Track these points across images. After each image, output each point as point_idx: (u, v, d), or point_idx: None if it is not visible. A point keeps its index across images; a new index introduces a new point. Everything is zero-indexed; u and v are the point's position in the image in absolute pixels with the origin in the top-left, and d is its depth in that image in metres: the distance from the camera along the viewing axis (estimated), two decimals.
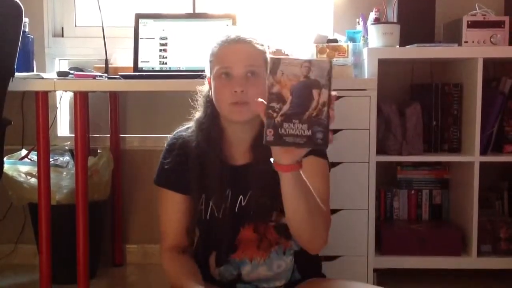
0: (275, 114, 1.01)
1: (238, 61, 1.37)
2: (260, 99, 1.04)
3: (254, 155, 1.43)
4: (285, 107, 1.01)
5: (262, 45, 1.43)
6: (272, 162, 1.12)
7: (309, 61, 1.01)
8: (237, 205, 1.44)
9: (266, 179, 1.35)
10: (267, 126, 1.02)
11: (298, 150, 1.07)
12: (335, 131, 2.14)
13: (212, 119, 1.45)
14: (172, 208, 1.47)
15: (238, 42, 1.41)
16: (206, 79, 1.49)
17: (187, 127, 1.51)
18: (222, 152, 1.44)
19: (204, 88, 1.51)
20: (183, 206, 1.46)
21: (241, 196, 1.44)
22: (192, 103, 1.53)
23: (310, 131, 1.01)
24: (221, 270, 1.47)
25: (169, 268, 1.46)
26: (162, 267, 1.49)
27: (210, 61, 1.44)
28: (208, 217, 1.44)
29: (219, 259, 1.46)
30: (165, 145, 1.51)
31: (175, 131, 1.53)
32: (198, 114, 1.51)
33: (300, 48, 2.51)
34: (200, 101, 1.51)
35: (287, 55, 2.42)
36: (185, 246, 1.48)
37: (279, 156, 1.10)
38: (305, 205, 1.21)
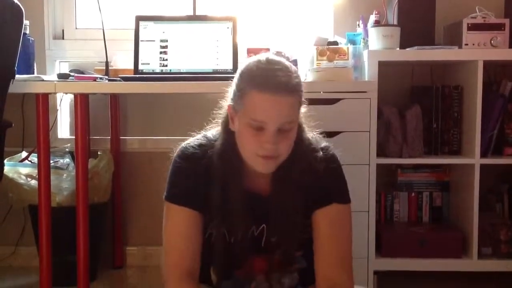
0: None
1: (275, 117, 1.21)
2: None
3: (274, 188, 1.35)
4: None
5: (302, 87, 1.29)
6: None
7: None
8: (249, 235, 1.37)
9: (283, 214, 1.33)
10: None
11: None
12: (336, 133, 2.14)
13: (233, 150, 1.32)
14: (188, 225, 1.33)
15: (279, 92, 1.21)
16: (227, 106, 1.32)
17: (200, 143, 1.38)
18: (241, 179, 1.34)
19: (223, 110, 1.37)
20: (196, 225, 1.35)
21: (253, 227, 1.38)
22: (213, 112, 1.42)
23: None
24: (223, 287, 1.42)
25: None
26: None
27: (238, 96, 1.27)
28: (218, 241, 1.36)
29: (221, 276, 1.41)
30: (176, 158, 1.38)
31: (186, 144, 1.39)
32: (213, 132, 1.40)
33: (301, 50, 2.52)
34: (221, 123, 1.37)
35: (288, 57, 2.42)
36: (195, 270, 1.35)
37: None
38: None
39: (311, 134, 1.42)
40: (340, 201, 1.37)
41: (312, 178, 1.34)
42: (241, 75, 1.28)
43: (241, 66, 1.31)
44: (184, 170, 1.35)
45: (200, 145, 1.37)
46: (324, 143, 1.42)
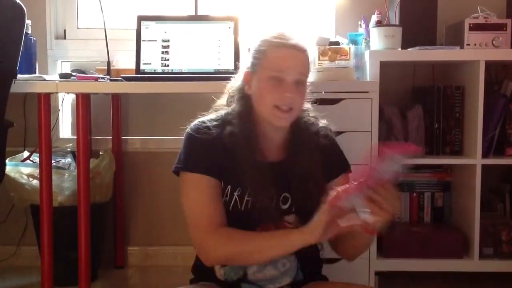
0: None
1: (293, 68, 1.39)
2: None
3: (284, 155, 1.46)
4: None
5: (311, 55, 1.46)
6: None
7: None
8: (269, 201, 1.43)
9: (298, 177, 1.42)
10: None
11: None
12: (338, 134, 2.13)
13: (249, 114, 1.45)
14: (211, 190, 1.40)
15: (295, 48, 1.41)
16: (243, 72, 1.48)
17: (211, 118, 1.48)
18: (254, 147, 1.44)
19: (235, 82, 1.52)
20: (217, 190, 1.42)
21: (274, 193, 1.44)
22: (214, 98, 1.55)
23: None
24: (226, 269, 1.46)
25: (224, 243, 1.36)
26: (207, 252, 1.37)
27: (257, 58, 1.44)
28: (230, 209, 1.43)
29: None
30: (189, 131, 1.46)
31: (197, 120, 1.48)
32: (221, 106, 1.52)
33: None
34: (235, 94, 1.50)
35: None
36: (223, 223, 1.40)
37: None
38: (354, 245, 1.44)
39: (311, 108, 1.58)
40: (348, 170, 1.55)
41: (320, 141, 1.50)
42: (259, 43, 1.45)
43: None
44: (200, 142, 1.43)
45: (213, 119, 1.48)
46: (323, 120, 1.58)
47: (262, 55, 1.42)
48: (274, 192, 1.44)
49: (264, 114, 1.42)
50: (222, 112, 1.51)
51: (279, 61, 1.40)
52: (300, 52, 1.41)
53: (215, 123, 1.46)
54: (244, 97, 1.47)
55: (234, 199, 1.43)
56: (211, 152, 1.42)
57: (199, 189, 1.41)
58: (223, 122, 1.46)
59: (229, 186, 1.43)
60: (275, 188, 1.44)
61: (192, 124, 1.48)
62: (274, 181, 1.42)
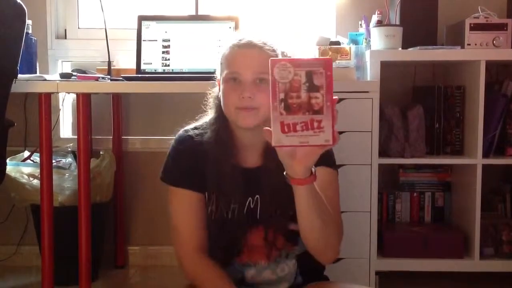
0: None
1: (247, 67, 1.34)
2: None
3: (265, 159, 1.41)
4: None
5: (274, 51, 1.40)
6: (287, 176, 1.14)
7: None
8: (246, 208, 1.42)
9: (275, 184, 1.35)
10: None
11: (309, 157, 1.09)
12: (338, 133, 2.13)
13: (222, 120, 1.43)
14: (191, 205, 1.43)
15: (249, 46, 1.37)
16: (216, 80, 1.47)
17: (195, 126, 1.49)
18: (232, 153, 1.42)
19: (215, 89, 1.50)
20: (199, 204, 1.43)
21: (250, 199, 1.43)
22: (203, 106, 1.52)
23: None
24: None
25: (197, 274, 1.40)
26: (184, 270, 1.42)
27: (221, 64, 1.42)
28: (218, 218, 1.42)
29: (223, 262, 1.44)
30: (173, 143, 1.48)
31: (182, 129, 1.50)
32: (208, 114, 1.50)
33: (303, 50, 2.52)
34: (211, 102, 1.49)
35: (289, 57, 2.42)
36: (204, 244, 1.43)
37: (292, 169, 1.12)
38: (319, 219, 1.24)
39: None
40: (328, 164, 1.41)
41: None
42: (222, 48, 1.43)
43: None
44: (181, 153, 1.45)
45: (196, 128, 1.48)
46: None
47: (223, 59, 1.41)
48: (244, 197, 1.43)
49: (230, 117, 1.39)
50: (205, 120, 1.50)
51: (233, 61, 1.37)
52: (255, 49, 1.36)
53: (197, 131, 1.46)
54: (218, 103, 1.44)
55: (220, 207, 1.42)
56: (193, 163, 1.42)
57: (182, 204, 1.44)
58: (205, 129, 1.46)
59: (214, 195, 1.42)
60: (247, 193, 1.42)
61: (177, 134, 1.49)
62: (247, 187, 1.41)
